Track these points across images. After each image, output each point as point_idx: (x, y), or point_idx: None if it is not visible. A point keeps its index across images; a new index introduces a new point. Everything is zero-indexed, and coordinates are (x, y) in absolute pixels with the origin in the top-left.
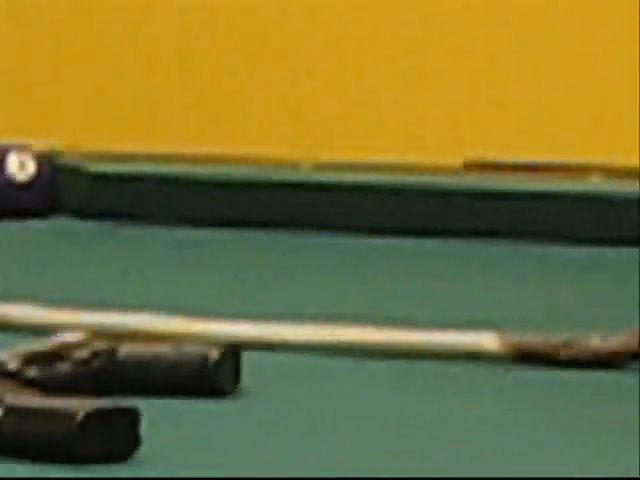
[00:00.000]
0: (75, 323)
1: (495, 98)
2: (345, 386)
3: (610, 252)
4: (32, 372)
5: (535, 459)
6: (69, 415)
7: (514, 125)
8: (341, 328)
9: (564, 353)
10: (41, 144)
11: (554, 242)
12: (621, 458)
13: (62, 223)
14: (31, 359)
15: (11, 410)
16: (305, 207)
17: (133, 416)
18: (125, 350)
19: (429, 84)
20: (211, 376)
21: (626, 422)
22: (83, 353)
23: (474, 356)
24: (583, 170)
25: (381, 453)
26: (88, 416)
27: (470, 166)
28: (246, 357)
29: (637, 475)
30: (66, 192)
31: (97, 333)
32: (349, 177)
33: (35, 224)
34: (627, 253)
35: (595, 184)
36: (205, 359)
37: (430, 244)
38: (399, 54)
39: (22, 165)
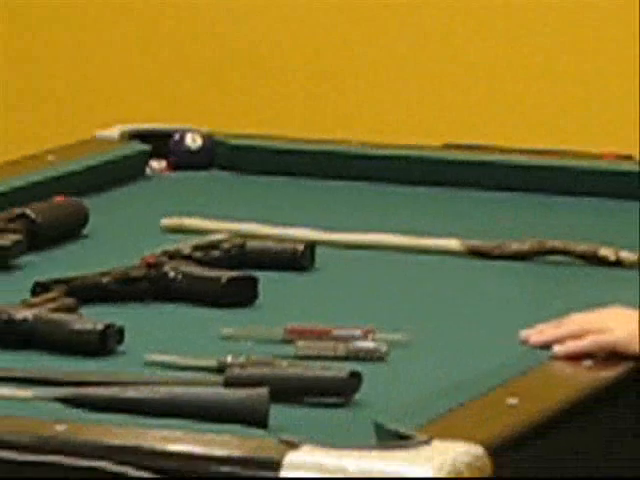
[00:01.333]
0: (224, 229)
1: (475, 90)
2: (374, 270)
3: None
4: (197, 255)
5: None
6: (217, 279)
7: (491, 113)
8: (372, 234)
9: (497, 252)
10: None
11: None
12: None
13: (215, 174)
14: (196, 247)
15: (186, 275)
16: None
17: (254, 281)
18: (250, 244)
19: (417, 78)
20: (298, 259)
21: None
22: (226, 245)
23: (445, 252)
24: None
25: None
26: (228, 280)
27: (449, 147)
28: (318, 250)
29: None
30: (216, 156)
31: (234, 234)
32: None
33: (201, 174)
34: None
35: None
36: (295, 250)
37: (427, 191)
38: (389, 48)
39: (194, 140)
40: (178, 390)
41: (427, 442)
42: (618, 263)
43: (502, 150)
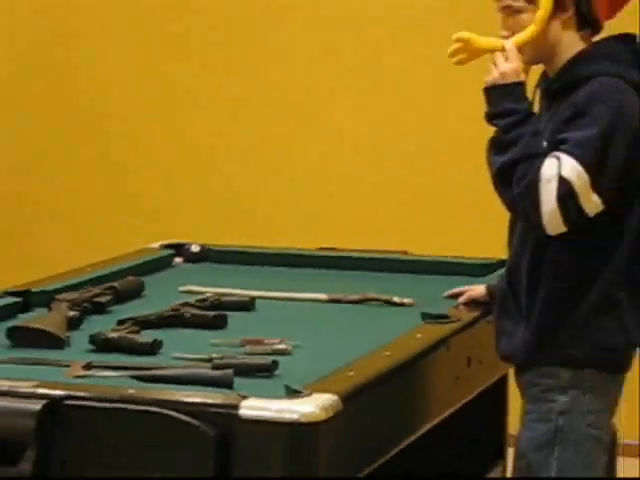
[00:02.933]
0: (212, 291)
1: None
2: (283, 310)
3: None
4: (199, 304)
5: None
6: (208, 315)
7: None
8: (283, 293)
9: (344, 300)
10: None
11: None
12: None
13: (207, 265)
14: (198, 300)
15: (193, 314)
16: None
17: (225, 317)
18: (224, 298)
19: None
20: (248, 305)
21: None
22: (212, 299)
23: (317, 300)
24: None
25: None
26: (214, 317)
27: (322, 249)
28: (257, 301)
29: None
30: (208, 256)
31: (216, 294)
32: None
33: (201, 264)
34: None
35: None
36: (246, 301)
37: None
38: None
39: (196, 247)
40: (189, 370)
41: (310, 394)
42: (403, 304)
43: (347, 250)
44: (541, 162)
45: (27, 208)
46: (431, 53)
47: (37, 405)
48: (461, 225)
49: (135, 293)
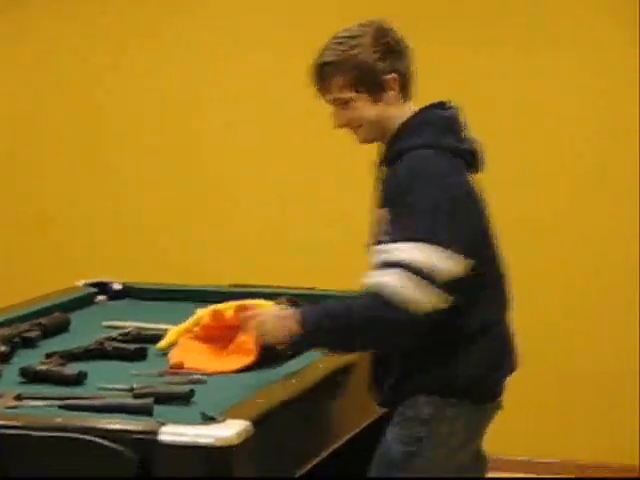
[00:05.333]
0: (131, 325)
1: None
2: None
3: None
4: (120, 338)
5: None
6: (128, 349)
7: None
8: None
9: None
10: None
11: None
12: None
13: (128, 301)
14: (120, 334)
15: (115, 347)
16: None
17: (144, 349)
18: (142, 332)
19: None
20: (161, 338)
21: None
22: (133, 332)
23: None
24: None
25: None
26: (134, 349)
27: (235, 285)
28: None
29: None
30: (129, 292)
31: (136, 327)
32: None
33: (122, 301)
34: None
35: None
36: (161, 334)
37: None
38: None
39: (117, 285)
40: (113, 399)
41: (224, 420)
42: None
43: (258, 285)
44: (365, 297)
45: None
46: None
47: None
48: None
49: (61, 328)
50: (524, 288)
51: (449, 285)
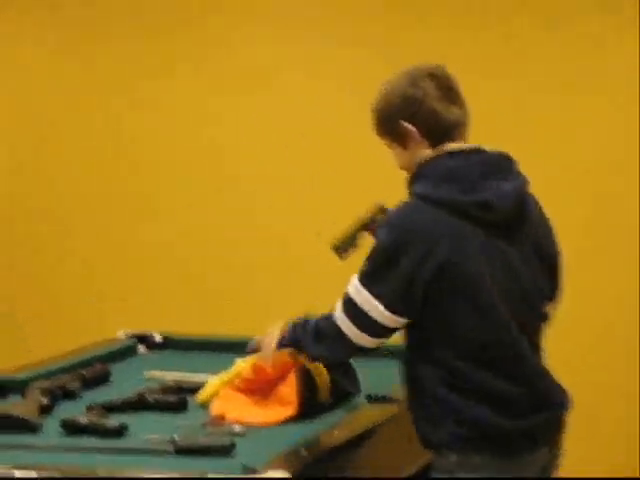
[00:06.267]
0: (172, 377)
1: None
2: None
3: None
4: (160, 389)
5: None
6: (171, 401)
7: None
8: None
9: None
10: None
11: None
12: None
13: (169, 352)
14: (162, 387)
15: (156, 399)
16: None
17: (186, 401)
18: (184, 384)
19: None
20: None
21: None
22: (172, 384)
23: None
24: None
25: None
26: (178, 400)
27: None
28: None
29: None
30: (169, 344)
31: (175, 379)
32: None
33: (164, 352)
34: None
35: None
36: (202, 385)
37: None
38: None
39: (158, 337)
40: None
41: (265, 472)
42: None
43: None
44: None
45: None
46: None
47: None
48: None
49: (102, 380)
50: None
51: (380, 332)
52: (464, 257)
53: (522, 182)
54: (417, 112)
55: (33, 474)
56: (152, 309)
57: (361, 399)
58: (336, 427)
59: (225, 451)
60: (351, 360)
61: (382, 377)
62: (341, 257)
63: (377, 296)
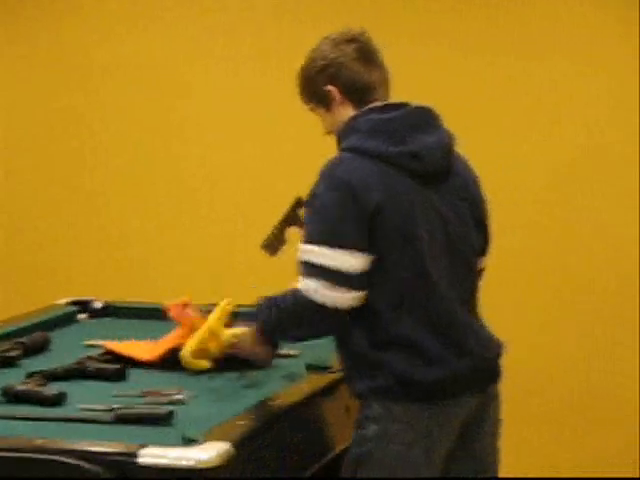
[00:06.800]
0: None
1: None
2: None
3: None
4: (100, 358)
5: None
6: (107, 368)
7: None
8: None
9: None
10: None
11: None
12: None
13: (110, 319)
14: (100, 354)
15: (96, 367)
16: None
17: (124, 369)
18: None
19: None
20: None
21: None
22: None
23: None
24: None
25: None
26: (115, 369)
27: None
28: None
29: None
30: (110, 311)
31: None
32: None
33: (104, 319)
34: None
35: None
36: None
37: None
38: None
39: (98, 303)
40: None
41: (205, 442)
42: (289, 355)
43: None
44: (291, 298)
45: None
46: None
47: None
48: None
49: (42, 347)
50: (518, 291)
51: (355, 281)
52: (397, 205)
53: (447, 136)
54: (336, 73)
55: None
56: (93, 278)
57: (301, 369)
58: (275, 398)
59: (164, 420)
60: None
61: (322, 347)
62: (272, 254)
63: (340, 246)
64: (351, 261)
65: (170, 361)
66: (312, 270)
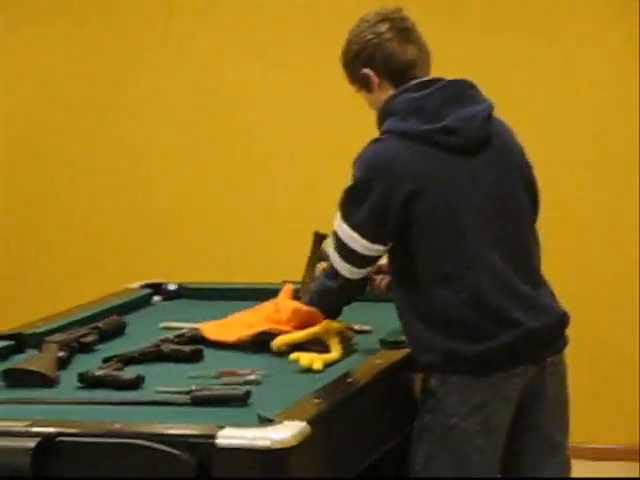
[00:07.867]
0: (188, 327)
1: None
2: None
3: None
4: (177, 340)
5: None
6: (185, 350)
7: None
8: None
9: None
10: None
11: None
12: None
13: (183, 301)
14: (176, 336)
15: (172, 349)
16: None
17: (201, 350)
18: (199, 333)
19: None
20: None
21: None
22: (189, 334)
23: None
24: None
25: None
26: (191, 351)
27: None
28: None
29: None
30: (183, 293)
31: (192, 328)
32: None
33: (178, 301)
34: None
35: None
36: None
37: None
38: None
39: (172, 286)
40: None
41: (281, 422)
42: (362, 331)
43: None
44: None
45: (16, 258)
46: None
47: (32, 443)
48: None
49: (118, 331)
50: None
51: (362, 261)
52: (432, 185)
53: (486, 106)
54: (372, 56)
55: (52, 430)
56: (167, 261)
57: (375, 344)
58: (349, 375)
59: (241, 400)
60: None
61: (396, 321)
62: None
63: (354, 227)
64: (361, 243)
65: (256, 343)
66: (335, 238)
